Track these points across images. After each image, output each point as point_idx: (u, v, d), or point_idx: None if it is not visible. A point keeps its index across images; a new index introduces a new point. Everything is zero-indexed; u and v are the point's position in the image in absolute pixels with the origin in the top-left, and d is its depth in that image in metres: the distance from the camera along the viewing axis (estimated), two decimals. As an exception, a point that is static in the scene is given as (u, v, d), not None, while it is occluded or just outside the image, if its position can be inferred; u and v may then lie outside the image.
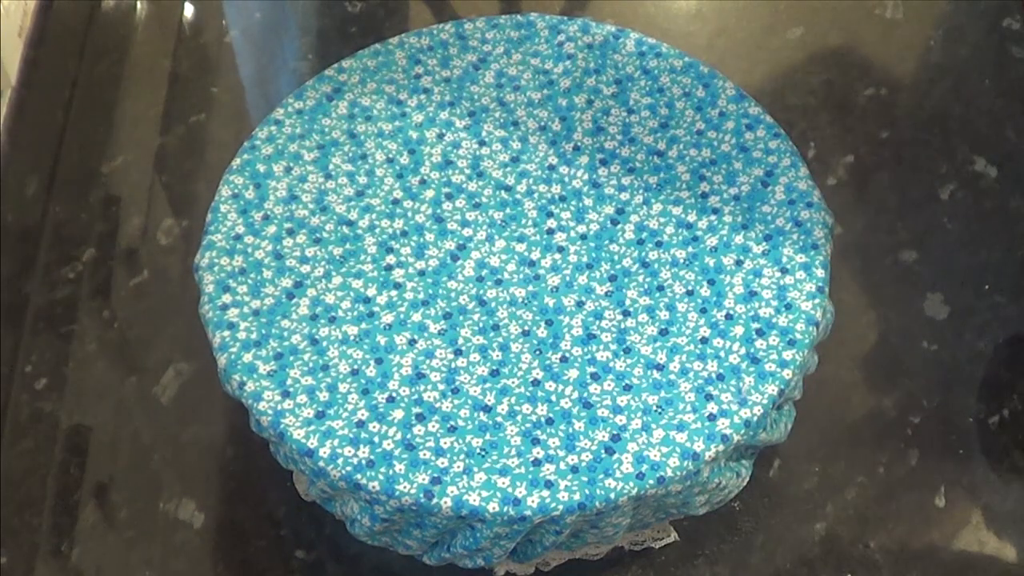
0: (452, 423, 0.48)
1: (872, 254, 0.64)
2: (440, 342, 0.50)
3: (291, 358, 0.49)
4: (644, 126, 0.56)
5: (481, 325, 0.50)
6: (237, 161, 0.55)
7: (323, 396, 0.48)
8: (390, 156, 0.55)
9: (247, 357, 0.49)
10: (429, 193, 0.54)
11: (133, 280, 0.63)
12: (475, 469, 0.46)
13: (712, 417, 0.47)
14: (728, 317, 0.50)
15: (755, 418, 0.47)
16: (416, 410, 0.48)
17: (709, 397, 0.48)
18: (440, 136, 0.56)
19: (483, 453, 0.47)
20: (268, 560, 0.55)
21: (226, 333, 0.49)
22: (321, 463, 0.46)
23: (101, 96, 0.71)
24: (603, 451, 0.47)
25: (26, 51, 0.68)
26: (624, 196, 0.54)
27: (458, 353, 0.50)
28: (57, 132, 0.69)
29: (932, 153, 0.68)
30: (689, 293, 0.51)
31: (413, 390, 0.48)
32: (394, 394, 0.48)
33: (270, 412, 0.47)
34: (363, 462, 0.46)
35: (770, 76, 0.71)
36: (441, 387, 0.49)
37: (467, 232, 0.53)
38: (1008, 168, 0.67)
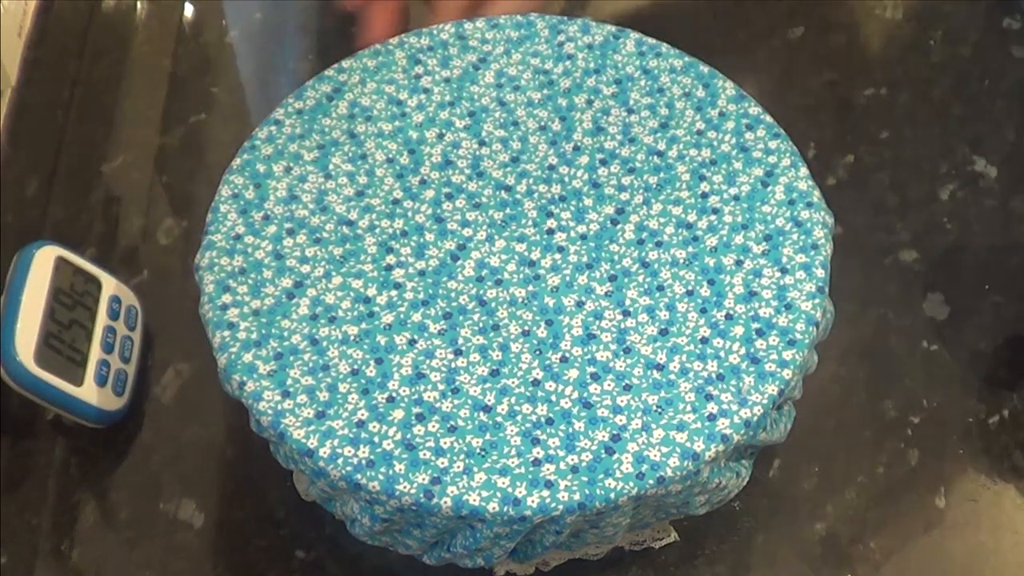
0: (452, 423, 0.48)
1: (872, 254, 0.64)
2: (440, 342, 0.50)
3: (291, 358, 0.49)
4: (644, 126, 0.56)
5: (481, 325, 0.50)
6: (237, 161, 0.55)
7: (323, 396, 0.48)
8: (390, 156, 0.55)
9: (247, 357, 0.49)
10: (429, 193, 0.54)
11: (133, 280, 0.63)
12: (475, 469, 0.46)
13: (712, 417, 0.47)
14: (728, 317, 0.50)
15: (755, 418, 0.47)
16: (416, 410, 0.48)
17: (709, 397, 0.48)
18: (440, 136, 0.56)
19: (483, 453, 0.47)
20: (268, 560, 0.55)
21: (226, 333, 0.49)
22: (321, 463, 0.46)
23: (101, 96, 0.71)
24: (603, 451, 0.47)
25: (26, 51, 0.68)
26: (624, 196, 0.54)
27: (458, 353, 0.50)
28: (57, 132, 0.69)
29: (932, 153, 0.68)
30: (689, 293, 0.51)
31: (413, 390, 0.48)
32: (394, 394, 0.48)
33: (270, 412, 0.47)
34: (363, 462, 0.46)
35: (770, 76, 0.71)
36: (441, 387, 0.49)
37: (467, 232, 0.53)
38: (1008, 168, 0.67)
